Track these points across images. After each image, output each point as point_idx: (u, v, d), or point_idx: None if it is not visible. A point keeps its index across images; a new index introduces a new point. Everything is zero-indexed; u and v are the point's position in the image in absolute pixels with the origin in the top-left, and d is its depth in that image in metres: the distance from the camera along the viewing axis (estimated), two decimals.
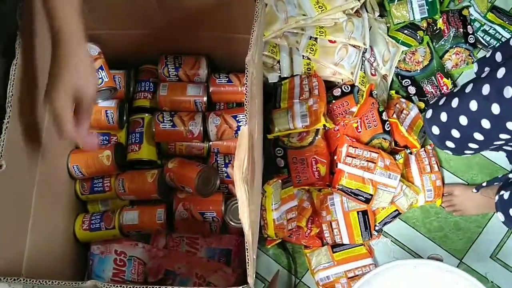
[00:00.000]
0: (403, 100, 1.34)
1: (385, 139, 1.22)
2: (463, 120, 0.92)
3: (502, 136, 0.88)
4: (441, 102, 1.03)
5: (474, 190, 1.19)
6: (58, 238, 1.06)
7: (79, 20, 0.78)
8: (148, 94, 1.19)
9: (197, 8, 1.05)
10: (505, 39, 1.06)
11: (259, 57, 0.99)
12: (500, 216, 1.04)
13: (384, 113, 1.23)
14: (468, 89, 0.93)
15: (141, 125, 1.17)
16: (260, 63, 1.12)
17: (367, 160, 1.17)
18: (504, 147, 1.07)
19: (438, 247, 1.27)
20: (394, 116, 1.26)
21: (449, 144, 1.02)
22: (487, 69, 1.01)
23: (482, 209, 1.25)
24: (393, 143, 1.25)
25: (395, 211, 1.23)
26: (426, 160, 1.29)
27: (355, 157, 1.17)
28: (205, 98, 1.16)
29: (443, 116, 0.98)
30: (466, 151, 1.03)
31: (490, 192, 1.21)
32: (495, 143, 0.96)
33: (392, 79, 1.38)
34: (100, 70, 1.08)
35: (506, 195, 1.08)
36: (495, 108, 0.84)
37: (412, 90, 1.38)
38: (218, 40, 1.13)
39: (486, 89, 0.86)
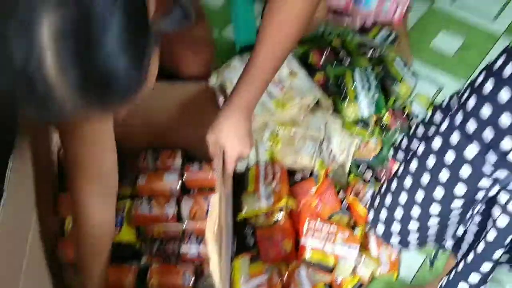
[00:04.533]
0: (361, 181, 1.48)
1: (343, 215, 1.35)
2: (399, 213, 1.01)
3: (431, 222, 0.97)
4: (376, 202, 1.10)
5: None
6: None
7: None
8: (129, 183, 1.34)
9: (174, 115, 1.26)
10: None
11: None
12: None
13: (341, 192, 1.38)
14: (393, 185, 1.02)
15: (122, 211, 1.29)
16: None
17: (327, 233, 1.28)
18: (443, 244, 1.14)
19: None
20: (352, 194, 1.40)
21: (394, 239, 1.08)
22: (399, 157, 1.18)
23: None
24: (352, 219, 1.37)
25: (357, 282, 1.31)
26: None
27: (316, 231, 1.29)
28: (179, 184, 1.31)
29: (383, 214, 1.07)
30: (410, 245, 1.08)
31: None
32: (428, 233, 1.02)
33: (350, 165, 1.54)
34: None
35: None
36: (419, 196, 0.93)
37: (368, 174, 1.53)
38: (192, 136, 1.31)
39: (408, 182, 0.96)
